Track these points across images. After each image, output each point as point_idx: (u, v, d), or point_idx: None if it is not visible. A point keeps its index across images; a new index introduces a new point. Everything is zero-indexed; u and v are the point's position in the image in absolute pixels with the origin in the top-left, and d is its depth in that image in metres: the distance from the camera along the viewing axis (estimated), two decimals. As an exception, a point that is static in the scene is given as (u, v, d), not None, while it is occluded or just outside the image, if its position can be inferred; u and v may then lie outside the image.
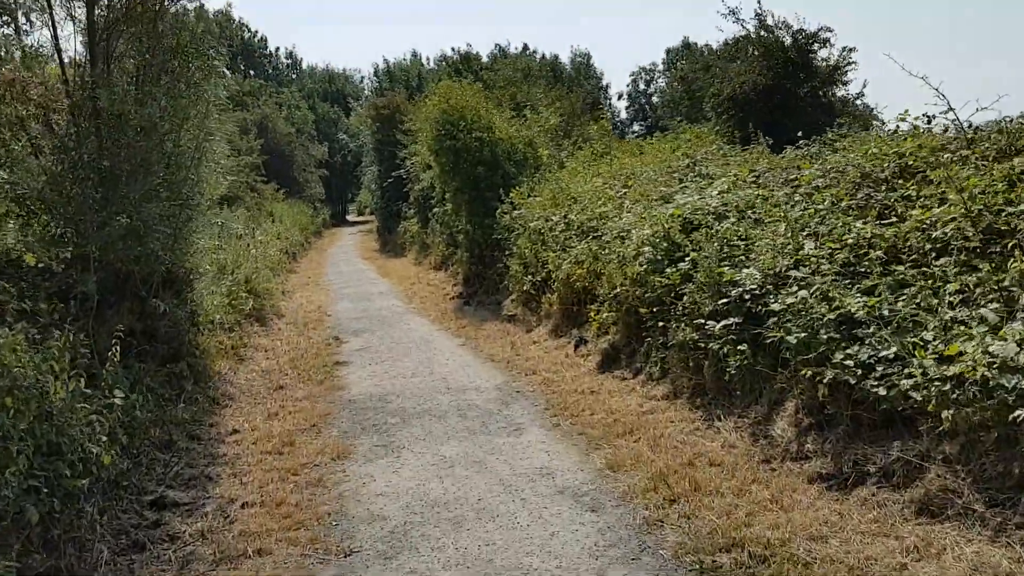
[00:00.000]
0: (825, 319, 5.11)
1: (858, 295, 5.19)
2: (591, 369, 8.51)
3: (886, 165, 6.63)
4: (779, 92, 16.31)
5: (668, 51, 62.82)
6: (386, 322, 13.26)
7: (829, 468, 4.90)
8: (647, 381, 7.53)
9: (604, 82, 61.49)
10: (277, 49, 72.13)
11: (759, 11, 16.82)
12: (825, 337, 5.09)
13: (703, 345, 6.51)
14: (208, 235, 13.69)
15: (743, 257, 6.60)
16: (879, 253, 5.48)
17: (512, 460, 5.99)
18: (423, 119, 16.18)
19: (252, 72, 65.31)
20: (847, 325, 5.14)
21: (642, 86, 66.08)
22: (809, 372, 5.15)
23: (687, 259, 7.21)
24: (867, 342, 4.87)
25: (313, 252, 30.32)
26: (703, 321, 6.51)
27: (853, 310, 5.01)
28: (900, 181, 6.33)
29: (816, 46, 16.31)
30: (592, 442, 6.25)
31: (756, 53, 16.94)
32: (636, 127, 62.39)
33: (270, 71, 68.62)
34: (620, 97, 65.27)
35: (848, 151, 7.88)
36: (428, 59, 60.67)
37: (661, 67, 64.14)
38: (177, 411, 7.46)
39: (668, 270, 7.30)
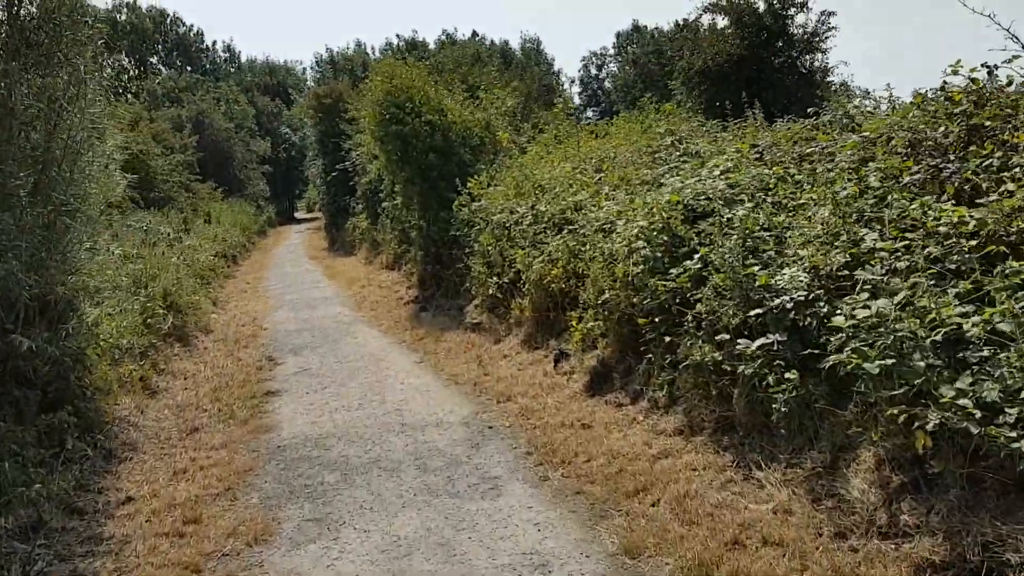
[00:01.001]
0: (927, 340, 3.66)
1: (958, 304, 3.77)
2: (577, 392, 7.01)
3: (947, 128, 5.23)
4: (754, 62, 15.01)
5: (618, 35, 61.75)
6: (330, 336, 11.59)
7: (944, 553, 3.47)
8: (651, 409, 6.05)
9: (555, 67, 60.04)
10: (215, 43, 69.05)
11: (728, -26, 15.49)
12: (922, 364, 3.66)
13: (729, 368, 5.05)
14: (116, 245, 11.94)
15: (773, 253, 5.15)
16: (973, 244, 4.08)
17: (491, 541, 4.44)
18: (367, 103, 14.49)
19: (188, 67, 62.40)
20: (949, 346, 3.72)
21: (593, 71, 64.86)
22: (900, 413, 3.71)
23: (696, 256, 5.75)
24: (991, 372, 3.45)
25: (257, 253, 28.30)
26: (727, 336, 5.06)
27: (965, 327, 3.58)
28: (972, 148, 4.93)
29: (792, 11, 15.03)
30: (595, 506, 4.75)
31: (726, 21, 15.59)
32: (590, 113, 61.10)
33: (208, 66, 65.61)
34: (572, 83, 63.94)
35: (882, 117, 6.48)
36: (373, 48, 58.51)
37: (612, 51, 63.03)
38: (53, 478, 5.75)
39: (673, 271, 5.83)
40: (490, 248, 10.50)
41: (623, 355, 6.77)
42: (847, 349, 4.02)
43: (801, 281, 4.57)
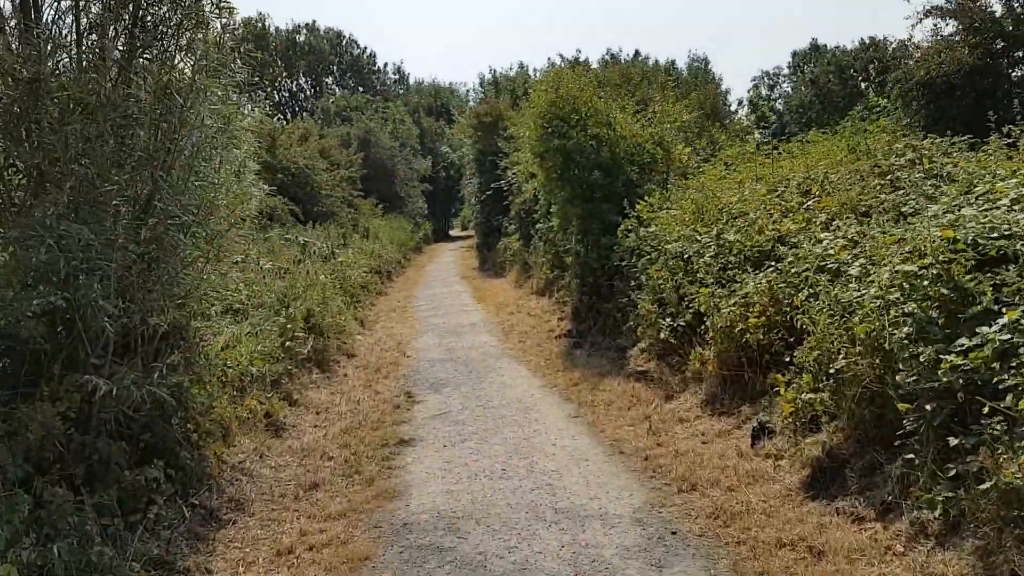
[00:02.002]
0: None
1: None
2: (792, 488, 5.21)
3: None
4: (988, 74, 12.47)
5: (794, 54, 57.92)
6: (475, 370, 10.31)
7: None
8: (916, 536, 4.18)
9: (723, 87, 57.09)
10: (385, 65, 71.46)
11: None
12: None
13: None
14: (265, 259, 11.29)
15: None
16: None
17: None
18: (528, 116, 13.24)
19: (360, 88, 64.70)
20: None
21: (764, 91, 61.21)
22: None
23: (999, 323, 3.89)
24: None
25: (411, 270, 27.99)
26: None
27: None
28: None
29: (1039, 13, 12.42)
30: None
31: (953, 27, 13.14)
32: (757, 135, 57.59)
33: (378, 87, 67.78)
34: (741, 104, 60.65)
35: None
36: (535, 71, 58.13)
37: (786, 71, 59.28)
38: (126, 556, 4.66)
39: (963, 340, 3.99)
40: (662, 282, 8.84)
41: (862, 446, 4.92)
42: None
43: None
